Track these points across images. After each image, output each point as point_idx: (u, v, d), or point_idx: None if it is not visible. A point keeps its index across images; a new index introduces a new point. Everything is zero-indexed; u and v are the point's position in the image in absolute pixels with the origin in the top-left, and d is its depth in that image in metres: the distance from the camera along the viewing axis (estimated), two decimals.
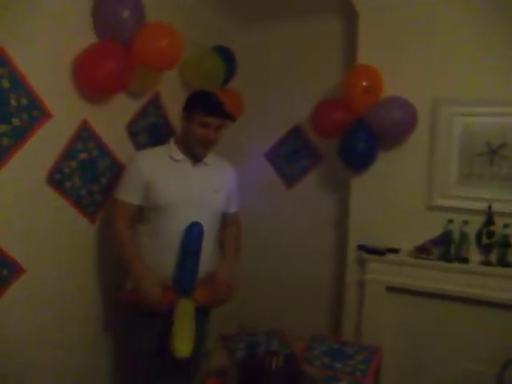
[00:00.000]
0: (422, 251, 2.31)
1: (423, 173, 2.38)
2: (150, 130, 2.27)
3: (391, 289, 2.40)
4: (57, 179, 1.81)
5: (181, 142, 1.87)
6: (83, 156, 1.92)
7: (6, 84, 1.57)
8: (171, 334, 1.63)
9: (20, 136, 1.64)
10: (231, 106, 2.69)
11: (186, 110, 1.86)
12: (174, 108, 2.33)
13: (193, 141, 1.82)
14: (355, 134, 2.35)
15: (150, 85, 2.20)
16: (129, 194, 1.82)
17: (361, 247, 2.48)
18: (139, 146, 2.18)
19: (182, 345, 1.60)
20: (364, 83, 2.26)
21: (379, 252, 2.39)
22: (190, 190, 1.81)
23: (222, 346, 1.92)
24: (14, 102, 1.60)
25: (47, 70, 1.72)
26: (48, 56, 1.72)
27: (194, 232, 1.74)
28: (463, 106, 2.27)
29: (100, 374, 2.15)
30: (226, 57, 2.55)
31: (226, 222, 2.00)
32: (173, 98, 2.35)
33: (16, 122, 1.61)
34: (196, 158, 1.87)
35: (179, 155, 1.85)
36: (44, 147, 1.74)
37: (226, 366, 1.80)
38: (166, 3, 2.28)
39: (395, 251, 2.39)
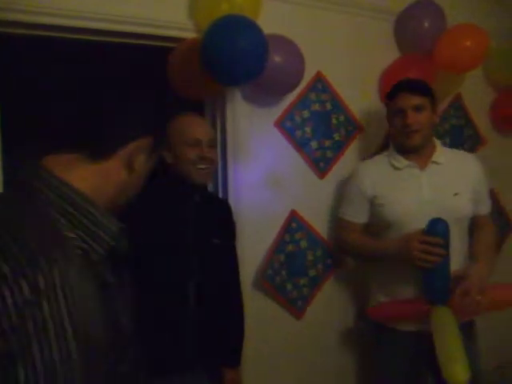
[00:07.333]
0: None
1: None
2: (453, 132, 2.26)
3: None
4: None
5: (398, 145, 1.64)
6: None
7: (328, 107, 1.93)
8: (437, 355, 1.38)
9: (339, 148, 1.97)
10: None
11: (385, 105, 1.69)
12: (476, 108, 2.30)
13: (394, 133, 1.61)
14: None
15: (451, 88, 2.19)
16: (353, 212, 1.69)
17: None
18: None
19: (457, 367, 1.32)
20: None
21: None
22: (422, 199, 1.55)
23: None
24: (334, 121, 1.95)
25: (358, 89, 2.01)
26: (357, 76, 2.00)
27: (438, 229, 1.44)
28: None
29: None
30: None
31: (476, 224, 1.68)
32: (475, 97, 2.29)
33: (336, 136, 1.96)
34: (423, 160, 1.58)
35: (402, 162, 1.61)
36: (355, 157, 2.02)
37: None
38: (463, 4, 2.22)
39: None
